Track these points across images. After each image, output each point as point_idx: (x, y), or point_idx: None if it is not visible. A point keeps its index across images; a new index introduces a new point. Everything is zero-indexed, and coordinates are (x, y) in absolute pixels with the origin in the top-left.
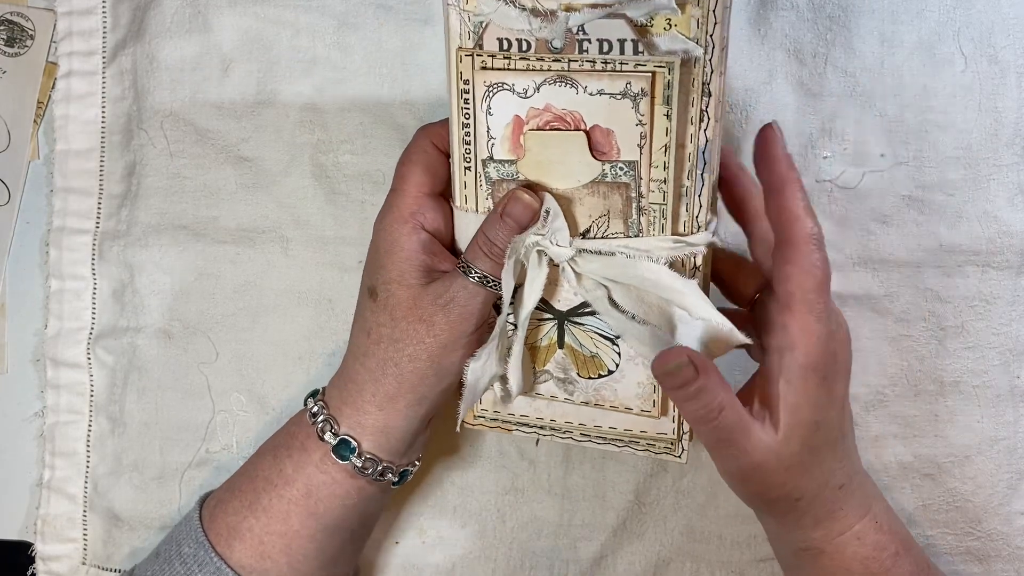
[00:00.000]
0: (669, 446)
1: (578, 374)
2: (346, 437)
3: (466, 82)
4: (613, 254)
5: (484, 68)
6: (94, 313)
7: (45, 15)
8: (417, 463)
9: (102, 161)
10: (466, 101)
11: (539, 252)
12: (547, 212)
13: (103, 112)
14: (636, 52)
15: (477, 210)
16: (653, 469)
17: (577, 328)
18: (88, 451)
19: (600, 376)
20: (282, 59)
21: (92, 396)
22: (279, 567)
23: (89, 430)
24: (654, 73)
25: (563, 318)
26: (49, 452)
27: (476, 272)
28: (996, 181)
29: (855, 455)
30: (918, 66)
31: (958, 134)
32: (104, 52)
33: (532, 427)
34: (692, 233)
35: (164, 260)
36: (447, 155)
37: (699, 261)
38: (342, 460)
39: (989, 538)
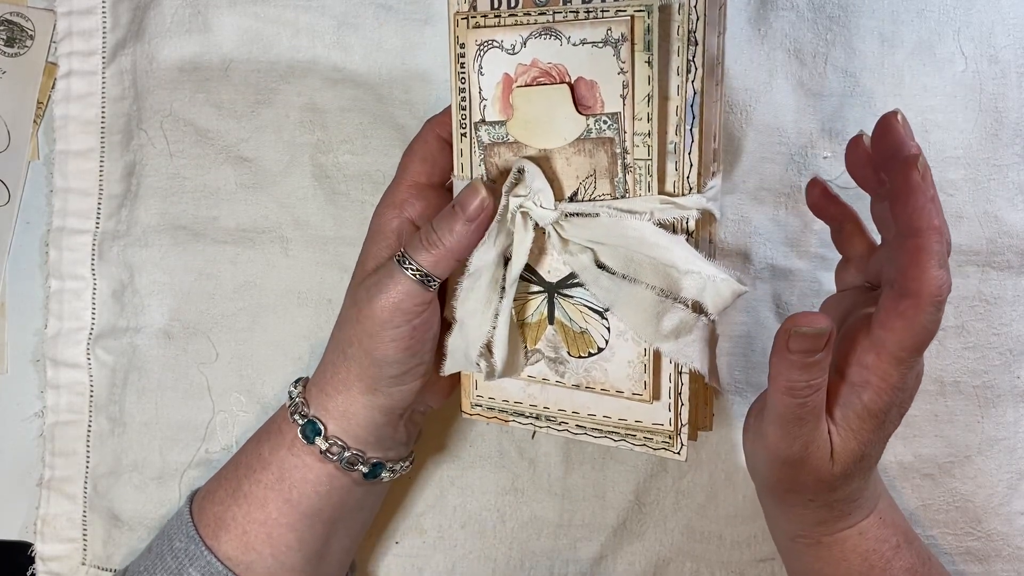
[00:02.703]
0: (667, 440)
1: (569, 352)
2: (313, 419)
3: (462, 45)
4: (598, 215)
5: (476, 27)
6: (94, 313)
7: (45, 15)
8: (403, 464)
9: (102, 161)
10: (462, 65)
11: (524, 215)
12: (520, 171)
13: (103, 112)
14: None
15: (471, 177)
16: (653, 469)
17: (567, 301)
18: (88, 451)
19: (590, 354)
20: (282, 59)
21: (92, 396)
22: (263, 558)
23: (89, 430)
24: (633, 17)
25: (553, 290)
26: (49, 452)
27: (412, 265)
28: (996, 181)
29: (876, 465)
30: (918, 66)
31: (958, 134)
32: (104, 52)
33: (528, 417)
34: (683, 195)
35: (164, 260)
36: (451, 144)
37: (691, 225)
38: (308, 442)
39: (989, 538)
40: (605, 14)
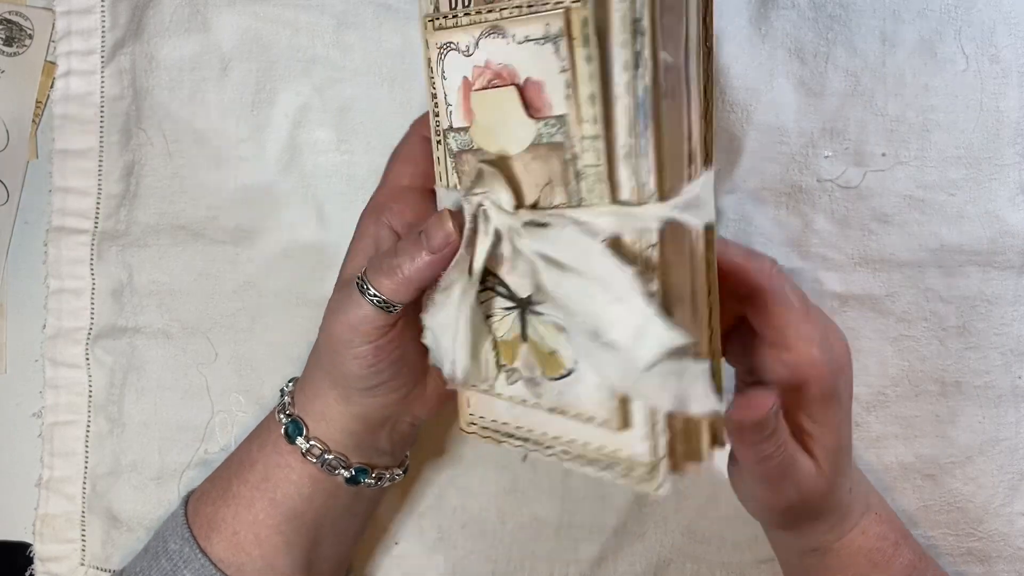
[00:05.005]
0: (647, 475)
1: (542, 373)
2: (297, 418)
3: (429, 49)
4: (547, 225)
5: (438, 29)
6: (93, 313)
7: (44, 14)
8: (394, 473)
9: (101, 161)
10: (432, 70)
11: (484, 213)
12: (480, 173)
13: (102, 112)
14: None
15: (448, 186)
16: None
17: (537, 318)
18: (87, 451)
19: (561, 376)
20: (281, 58)
21: (91, 396)
22: (253, 560)
23: (88, 430)
24: (569, 9)
25: (524, 306)
26: (48, 452)
27: (371, 291)
28: (998, 181)
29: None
30: (920, 65)
31: (960, 133)
32: (103, 51)
33: (518, 439)
34: (641, 204)
35: (163, 260)
36: None
37: (653, 239)
38: (291, 441)
39: (991, 539)
40: (544, 7)
